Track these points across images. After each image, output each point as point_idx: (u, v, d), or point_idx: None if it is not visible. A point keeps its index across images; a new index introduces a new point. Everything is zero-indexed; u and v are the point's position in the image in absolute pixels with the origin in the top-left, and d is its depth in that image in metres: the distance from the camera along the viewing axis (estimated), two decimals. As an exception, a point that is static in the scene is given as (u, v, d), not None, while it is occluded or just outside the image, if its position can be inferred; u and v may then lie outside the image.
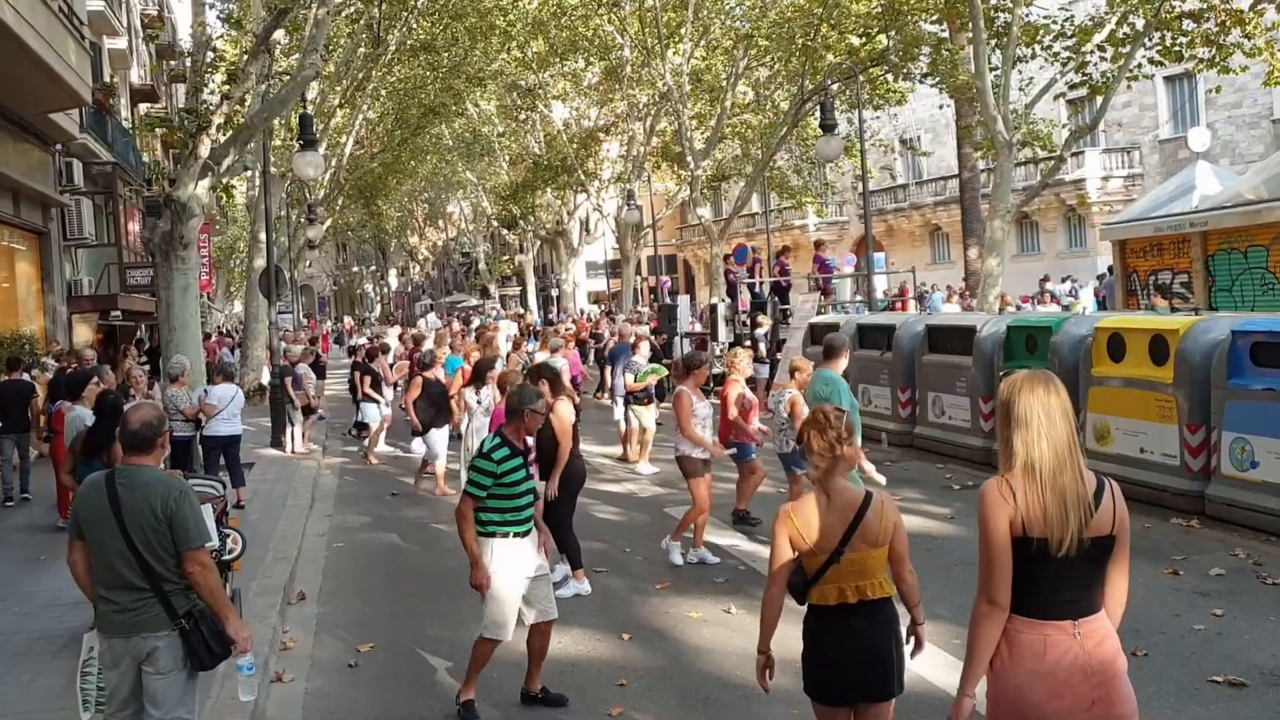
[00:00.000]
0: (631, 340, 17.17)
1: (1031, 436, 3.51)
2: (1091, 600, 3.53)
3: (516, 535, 6.35)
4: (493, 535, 6.31)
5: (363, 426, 18.21)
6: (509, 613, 6.35)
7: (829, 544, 4.23)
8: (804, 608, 4.43)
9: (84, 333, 24.50)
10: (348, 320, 59.06)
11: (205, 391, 13.17)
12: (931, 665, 6.77)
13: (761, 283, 24.15)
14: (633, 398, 15.33)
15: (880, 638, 4.29)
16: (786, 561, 4.28)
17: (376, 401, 17.43)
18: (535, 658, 6.60)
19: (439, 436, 14.24)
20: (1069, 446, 3.51)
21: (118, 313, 25.64)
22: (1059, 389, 3.58)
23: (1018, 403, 3.56)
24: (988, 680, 3.59)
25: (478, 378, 12.73)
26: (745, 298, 23.95)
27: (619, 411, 16.53)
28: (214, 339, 34.18)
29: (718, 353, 23.37)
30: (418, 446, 15.46)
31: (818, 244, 26.69)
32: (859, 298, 25.36)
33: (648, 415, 15.23)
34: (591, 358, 25.61)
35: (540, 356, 15.02)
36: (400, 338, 25.14)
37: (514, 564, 6.33)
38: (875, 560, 4.28)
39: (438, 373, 15.01)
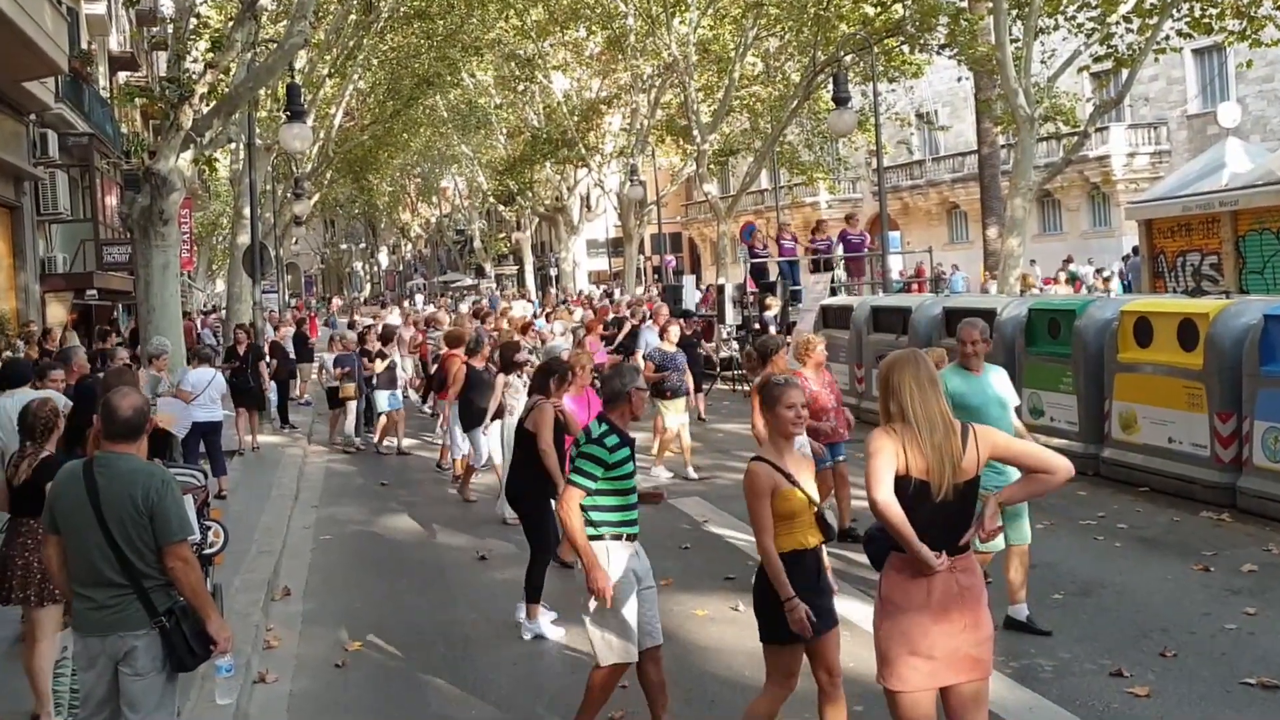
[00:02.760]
0: (651, 321, 16.09)
1: (905, 399, 4.27)
2: (961, 536, 4.25)
3: (629, 538, 5.80)
4: (602, 538, 5.70)
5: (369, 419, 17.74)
6: (632, 628, 5.67)
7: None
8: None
9: (57, 312, 24.45)
10: (335, 301, 58.96)
11: (183, 376, 13.06)
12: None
13: (789, 260, 23.77)
14: (654, 389, 12.93)
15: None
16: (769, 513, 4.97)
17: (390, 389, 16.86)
18: (656, 694, 5.86)
19: (486, 437, 12.75)
20: (938, 408, 4.27)
21: (93, 292, 25.57)
22: (926, 362, 4.38)
23: (893, 376, 4.34)
24: (878, 612, 4.32)
25: (507, 366, 12.14)
26: (767, 276, 23.77)
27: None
28: (197, 317, 34.13)
29: (725, 335, 23.33)
30: (466, 445, 13.45)
31: (848, 218, 26.41)
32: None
33: (673, 414, 13.45)
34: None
35: (556, 340, 14.68)
36: (407, 320, 24.99)
37: (630, 572, 5.74)
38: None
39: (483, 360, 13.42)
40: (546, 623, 7.90)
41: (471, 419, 12.79)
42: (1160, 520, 10.05)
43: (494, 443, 12.42)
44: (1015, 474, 7.31)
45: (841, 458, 9.64)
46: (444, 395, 13.92)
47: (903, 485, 4.18)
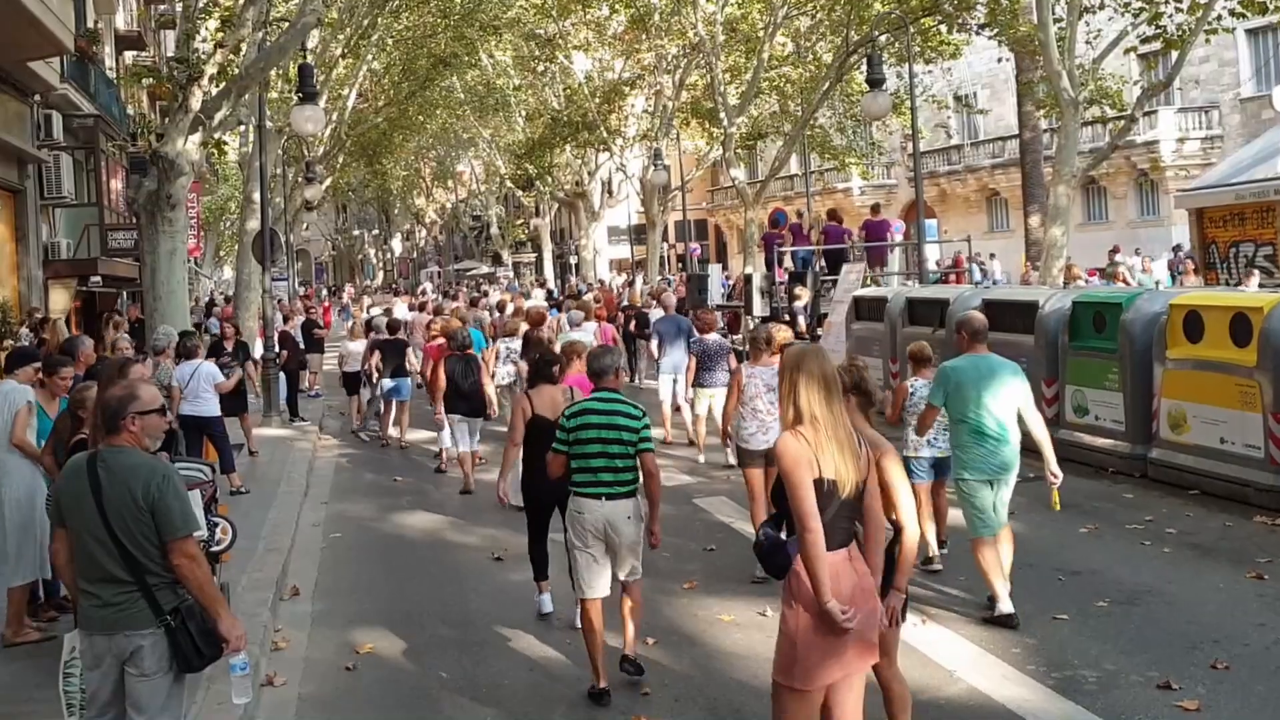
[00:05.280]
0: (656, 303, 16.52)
1: (810, 396, 4.59)
2: (855, 531, 4.67)
3: (593, 496, 6.98)
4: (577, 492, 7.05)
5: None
6: (583, 574, 7.01)
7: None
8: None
9: (61, 299, 24.56)
10: (348, 289, 59.16)
11: (169, 372, 12.97)
12: (988, 677, 6.73)
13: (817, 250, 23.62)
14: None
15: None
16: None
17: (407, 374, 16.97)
18: (625, 619, 7.14)
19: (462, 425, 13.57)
20: (838, 406, 4.62)
21: (98, 278, 25.66)
22: (826, 359, 4.74)
23: (796, 371, 4.64)
24: (790, 605, 4.56)
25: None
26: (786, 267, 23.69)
27: (666, 392, 15.76)
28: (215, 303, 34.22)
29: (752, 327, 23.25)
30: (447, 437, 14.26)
31: (874, 208, 26.23)
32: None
33: (703, 400, 14.20)
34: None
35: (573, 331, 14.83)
36: (422, 308, 25.01)
37: (585, 524, 7.03)
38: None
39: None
40: (546, 599, 8.50)
41: (451, 405, 13.48)
42: (1211, 525, 9.96)
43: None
44: (1011, 453, 7.79)
45: None
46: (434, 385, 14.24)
47: (816, 488, 4.48)
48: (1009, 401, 7.79)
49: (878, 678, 5.43)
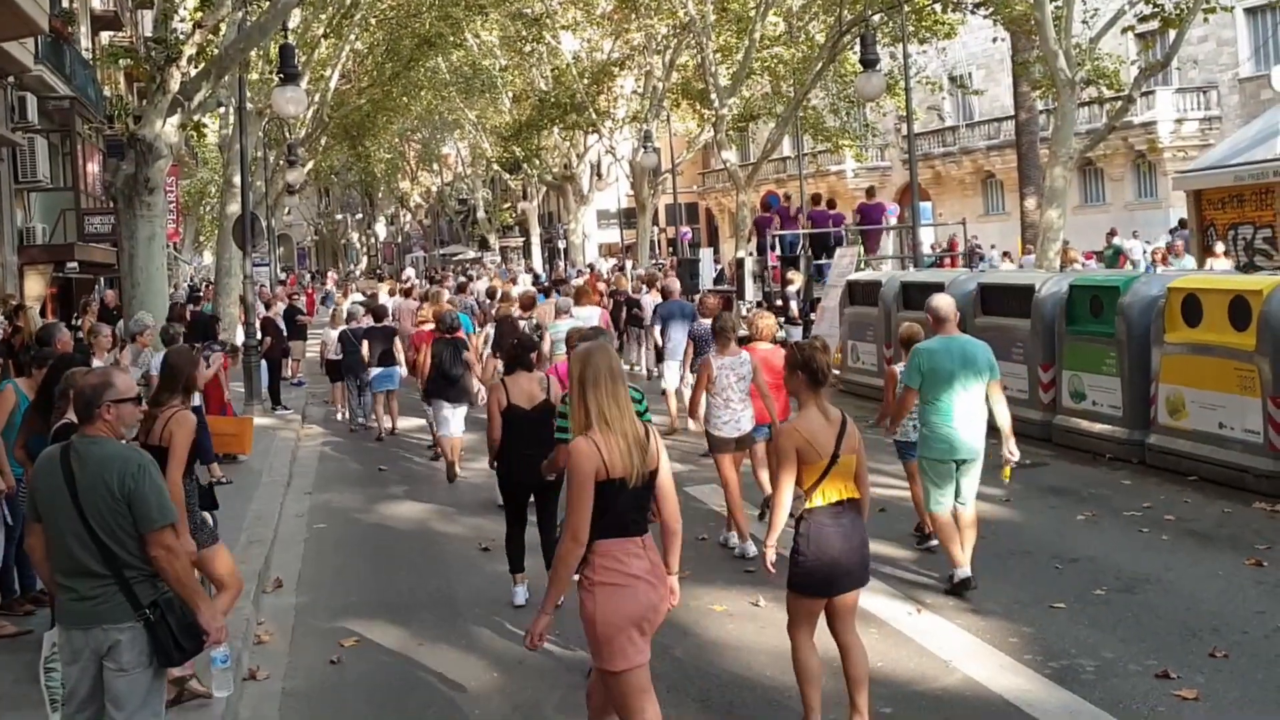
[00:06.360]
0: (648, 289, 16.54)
1: (600, 395, 4.82)
2: (645, 521, 4.94)
3: None
4: None
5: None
6: None
7: (829, 449, 5.76)
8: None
9: (36, 286, 24.48)
10: (331, 275, 58.95)
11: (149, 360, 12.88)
12: (985, 667, 6.74)
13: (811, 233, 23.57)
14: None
15: (859, 531, 5.89)
16: (795, 468, 5.79)
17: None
18: None
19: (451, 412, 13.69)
20: (625, 400, 4.87)
21: (74, 264, 25.60)
22: (611, 354, 5.04)
23: (587, 368, 4.88)
24: (585, 599, 4.82)
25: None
26: (775, 252, 23.69)
27: (673, 377, 15.67)
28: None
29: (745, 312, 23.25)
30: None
31: (869, 191, 26.26)
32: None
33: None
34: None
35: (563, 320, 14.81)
36: (407, 294, 24.90)
37: None
38: (853, 464, 5.87)
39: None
40: (520, 591, 8.50)
41: (435, 390, 13.48)
42: (1210, 512, 9.98)
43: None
44: (977, 437, 8.03)
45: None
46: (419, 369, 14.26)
47: (607, 486, 4.77)
48: (979, 382, 8.07)
49: (836, 640, 5.92)
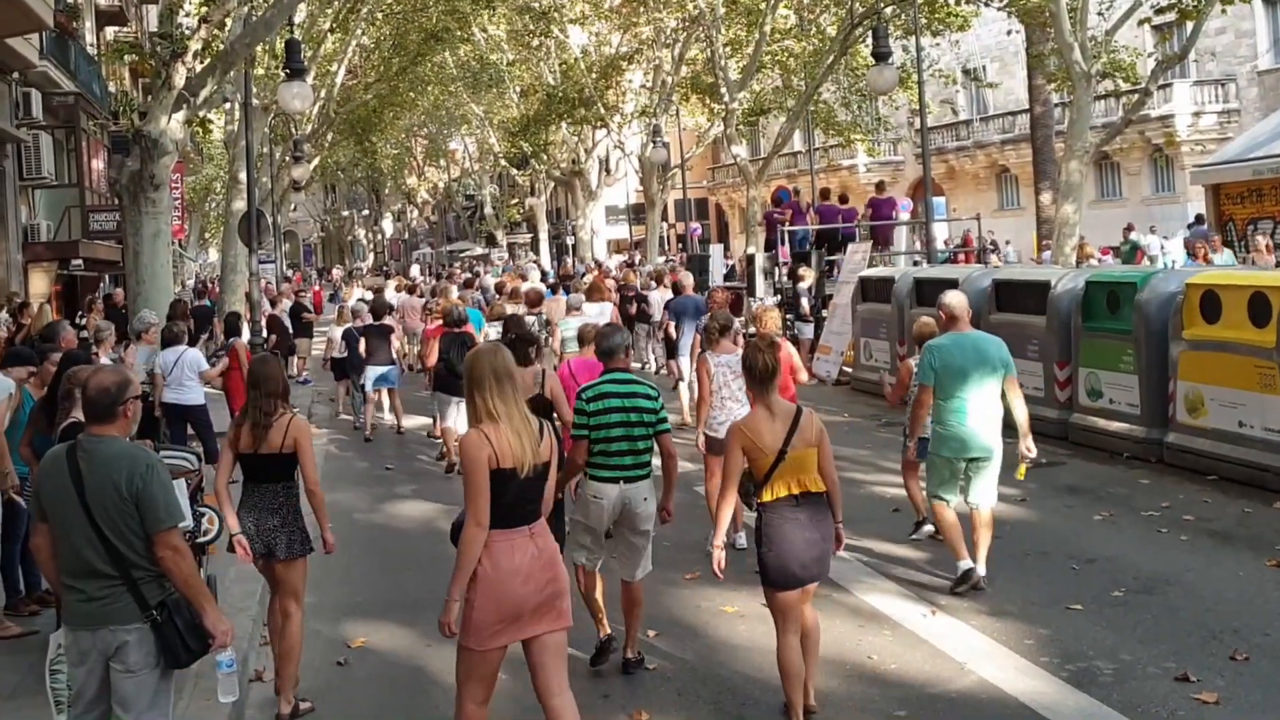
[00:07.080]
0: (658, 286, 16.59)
1: (487, 394, 5.12)
2: (538, 510, 5.22)
3: (610, 480, 7.04)
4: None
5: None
6: (590, 545, 7.19)
7: (775, 445, 5.95)
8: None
9: (41, 283, 24.53)
10: (336, 271, 59.02)
11: (153, 359, 12.89)
12: (1000, 669, 6.71)
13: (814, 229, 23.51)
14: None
15: (822, 525, 6.04)
16: (740, 468, 6.06)
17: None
18: (626, 610, 7.20)
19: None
20: (514, 397, 5.16)
21: (79, 261, 25.64)
22: (504, 354, 5.30)
23: (474, 369, 5.19)
24: (472, 585, 5.03)
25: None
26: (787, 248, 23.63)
27: (686, 373, 15.44)
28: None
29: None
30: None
31: (879, 186, 26.17)
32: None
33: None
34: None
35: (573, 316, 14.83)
36: (413, 290, 24.92)
37: (602, 505, 7.10)
38: (810, 458, 6.00)
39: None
40: None
41: (442, 384, 13.49)
42: (1230, 511, 9.94)
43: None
44: (992, 435, 8.05)
45: None
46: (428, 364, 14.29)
47: (498, 476, 5.03)
48: (993, 379, 8.09)
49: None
